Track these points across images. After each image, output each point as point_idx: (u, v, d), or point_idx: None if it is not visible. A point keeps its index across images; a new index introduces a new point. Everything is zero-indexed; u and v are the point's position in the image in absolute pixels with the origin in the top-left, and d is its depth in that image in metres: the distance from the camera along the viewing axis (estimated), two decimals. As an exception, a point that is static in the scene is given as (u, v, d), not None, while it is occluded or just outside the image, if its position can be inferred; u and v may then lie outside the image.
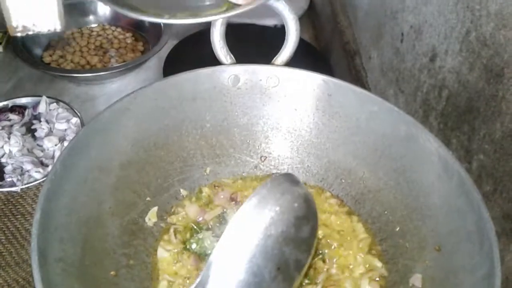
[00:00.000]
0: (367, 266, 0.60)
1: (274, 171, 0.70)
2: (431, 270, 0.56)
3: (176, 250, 0.59)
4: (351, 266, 0.60)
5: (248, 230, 0.39)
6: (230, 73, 0.66)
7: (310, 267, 0.59)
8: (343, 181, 0.68)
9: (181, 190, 0.66)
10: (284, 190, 0.42)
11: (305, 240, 0.44)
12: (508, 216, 0.56)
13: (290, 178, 0.45)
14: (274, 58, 0.67)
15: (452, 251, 0.54)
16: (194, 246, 0.60)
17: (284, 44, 0.66)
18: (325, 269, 0.59)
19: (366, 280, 0.58)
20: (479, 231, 0.51)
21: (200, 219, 0.64)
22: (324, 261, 0.60)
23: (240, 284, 0.38)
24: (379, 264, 0.60)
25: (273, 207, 0.40)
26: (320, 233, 0.63)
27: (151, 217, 0.63)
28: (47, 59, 1.01)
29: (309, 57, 1.04)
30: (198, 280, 0.39)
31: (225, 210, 0.65)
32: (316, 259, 0.60)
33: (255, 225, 0.39)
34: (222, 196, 0.66)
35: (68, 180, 0.52)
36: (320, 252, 0.61)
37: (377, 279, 0.59)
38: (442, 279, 0.54)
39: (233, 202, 0.65)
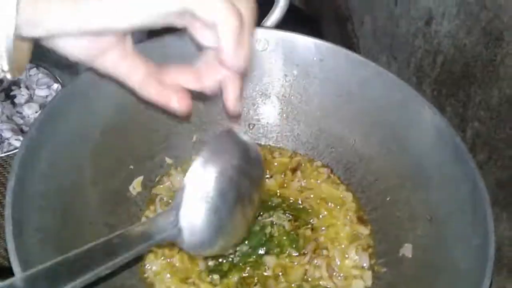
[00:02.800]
0: (355, 235, 0.59)
1: (263, 139, 0.68)
2: (422, 240, 0.54)
3: None
4: (339, 235, 0.59)
5: (215, 161, 0.43)
6: (217, 35, 0.63)
7: (297, 236, 0.58)
8: (334, 149, 0.66)
9: (167, 158, 0.64)
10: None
11: (255, 180, 0.49)
12: (502, 185, 0.55)
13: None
14: (263, 20, 0.64)
15: (445, 221, 0.53)
16: None
17: (274, 5, 0.63)
18: (313, 239, 0.58)
19: (353, 250, 0.57)
20: (473, 200, 0.50)
21: None
22: (312, 230, 0.59)
23: (210, 206, 0.42)
24: (366, 232, 0.59)
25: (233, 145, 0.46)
26: (308, 202, 0.62)
27: (135, 186, 0.60)
28: (26, 22, 0.96)
29: (298, 23, 1.01)
30: (174, 201, 0.42)
31: None
32: (303, 228, 0.59)
33: (221, 157, 0.44)
34: None
35: (45, 146, 0.50)
36: (309, 221, 0.59)
37: (365, 248, 0.58)
38: (433, 249, 0.53)
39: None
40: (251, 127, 0.68)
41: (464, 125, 0.61)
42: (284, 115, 0.67)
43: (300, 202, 0.61)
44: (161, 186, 0.62)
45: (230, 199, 0.44)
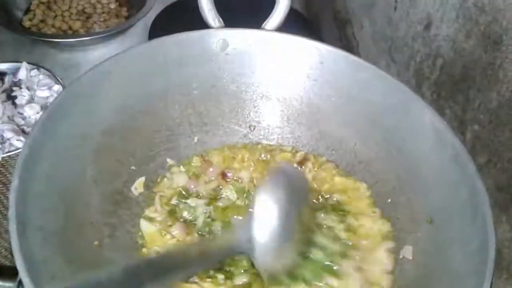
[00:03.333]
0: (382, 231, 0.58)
1: (264, 141, 0.68)
2: (422, 242, 0.55)
3: (161, 218, 0.58)
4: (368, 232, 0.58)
5: (274, 190, 0.50)
6: (218, 37, 0.63)
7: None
8: (334, 151, 0.66)
9: (168, 159, 0.64)
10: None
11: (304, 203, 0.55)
12: (501, 187, 0.55)
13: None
14: (264, 23, 0.65)
15: (445, 223, 0.53)
16: (185, 213, 0.59)
17: (275, 7, 0.64)
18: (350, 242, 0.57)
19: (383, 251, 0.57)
20: (472, 203, 0.50)
21: (192, 187, 0.62)
22: (350, 231, 0.57)
23: (275, 225, 0.48)
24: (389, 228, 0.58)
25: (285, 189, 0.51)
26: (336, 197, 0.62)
27: (137, 187, 0.60)
28: (27, 23, 0.97)
29: (298, 26, 1.02)
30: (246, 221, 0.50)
31: (220, 186, 0.62)
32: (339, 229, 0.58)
33: (277, 186, 0.51)
34: (211, 170, 0.64)
35: (47, 146, 0.50)
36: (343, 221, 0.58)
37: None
38: (433, 251, 0.53)
39: (224, 179, 0.63)
40: (252, 128, 0.68)
41: (463, 128, 0.61)
42: (285, 117, 0.68)
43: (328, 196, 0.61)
44: (161, 183, 0.62)
45: (288, 221, 0.49)
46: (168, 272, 0.44)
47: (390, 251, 0.57)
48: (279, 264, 0.51)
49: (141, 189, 0.60)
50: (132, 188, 0.60)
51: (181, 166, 0.64)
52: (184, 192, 0.60)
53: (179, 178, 0.62)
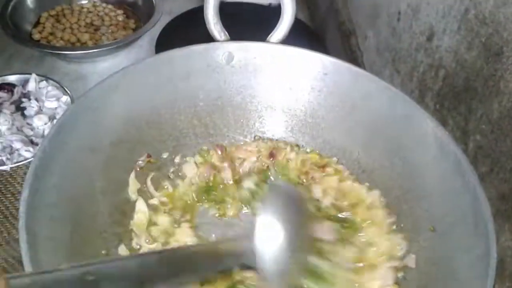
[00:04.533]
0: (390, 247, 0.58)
1: (268, 151, 0.70)
2: (425, 250, 0.55)
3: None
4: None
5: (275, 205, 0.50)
6: (224, 50, 0.64)
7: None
8: (337, 161, 0.67)
9: (173, 168, 0.65)
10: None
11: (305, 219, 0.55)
12: (504, 196, 0.56)
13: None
14: (269, 36, 0.66)
15: (447, 232, 0.54)
16: None
17: (280, 21, 0.65)
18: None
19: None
20: (474, 212, 0.51)
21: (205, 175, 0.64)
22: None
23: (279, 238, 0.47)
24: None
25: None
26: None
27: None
28: (36, 36, 0.98)
29: (303, 37, 1.03)
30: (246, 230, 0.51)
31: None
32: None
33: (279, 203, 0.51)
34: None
35: (57, 158, 0.51)
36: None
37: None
38: (436, 260, 0.54)
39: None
40: (257, 139, 0.69)
41: (465, 138, 0.62)
42: (289, 127, 0.69)
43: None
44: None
45: (291, 237, 0.48)
46: (175, 273, 0.43)
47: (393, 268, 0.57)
48: (285, 277, 0.50)
49: (147, 199, 0.61)
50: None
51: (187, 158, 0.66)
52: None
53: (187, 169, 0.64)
